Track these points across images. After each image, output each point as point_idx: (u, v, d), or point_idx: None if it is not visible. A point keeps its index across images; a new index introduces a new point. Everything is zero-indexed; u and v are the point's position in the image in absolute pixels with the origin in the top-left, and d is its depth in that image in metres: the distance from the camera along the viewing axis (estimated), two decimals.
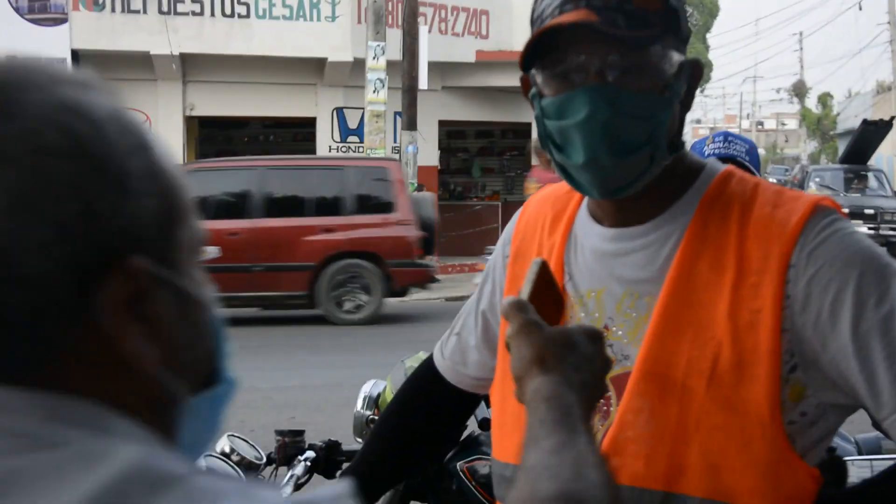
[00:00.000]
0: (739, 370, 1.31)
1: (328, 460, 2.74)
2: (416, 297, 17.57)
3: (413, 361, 3.09)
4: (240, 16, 18.96)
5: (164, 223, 0.79)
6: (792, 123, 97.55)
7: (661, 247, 1.40)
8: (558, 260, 1.51)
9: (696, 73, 1.42)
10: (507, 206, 23.30)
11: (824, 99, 68.16)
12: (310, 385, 9.88)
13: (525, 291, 1.25)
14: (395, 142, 19.12)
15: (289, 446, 2.71)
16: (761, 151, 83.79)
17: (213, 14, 18.89)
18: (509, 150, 24.56)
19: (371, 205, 14.54)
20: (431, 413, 1.88)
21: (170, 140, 19.09)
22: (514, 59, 20.47)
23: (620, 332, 1.43)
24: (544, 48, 1.35)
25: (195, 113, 19.89)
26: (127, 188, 0.76)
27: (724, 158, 3.27)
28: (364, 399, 3.17)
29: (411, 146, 17.97)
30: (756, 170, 3.46)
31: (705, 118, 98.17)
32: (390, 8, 18.64)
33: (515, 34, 21.47)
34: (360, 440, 3.10)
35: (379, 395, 3.15)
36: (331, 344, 12.90)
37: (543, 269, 1.28)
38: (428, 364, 1.87)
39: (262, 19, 19.04)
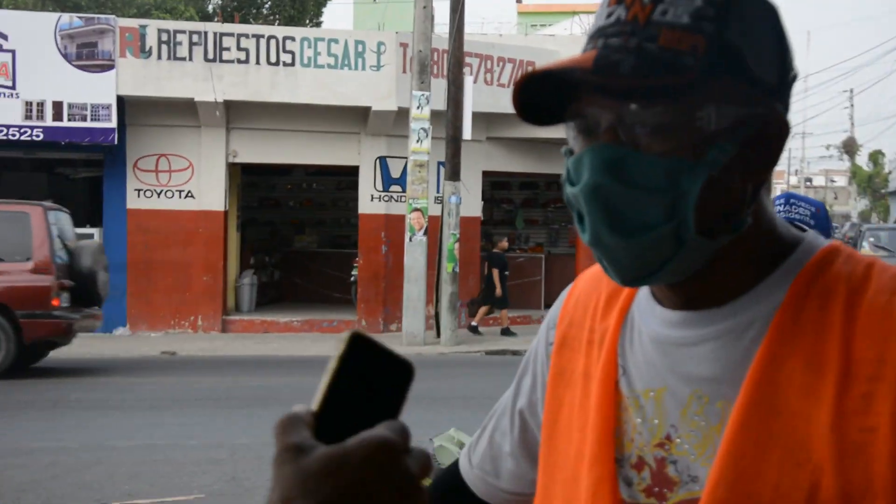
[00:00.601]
0: None
1: None
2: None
3: (443, 440, 2.81)
4: (285, 64, 19.03)
5: None
6: (841, 181, 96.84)
7: (739, 337, 1.11)
8: (611, 350, 1.23)
9: (767, 130, 1.09)
10: (550, 258, 23.18)
11: (875, 157, 67.62)
12: None
13: (320, 389, 0.84)
14: (437, 192, 19.00)
15: None
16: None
17: (258, 62, 18.99)
18: (553, 202, 24.46)
19: (4, 252, 13.81)
20: None
21: (212, 186, 19.19)
22: None
23: (686, 446, 1.13)
24: (568, 96, 1.12)
25: (238, 160, 19.92)
26: None
27: None
28: None
29: (454, 196, 17.91)
30: (826, 235, 3.01)
31: None
32: (435, 58, 18.61)
33: None
34: None
35: None
36: None
37: (353, 345, 0.84)
38: (452, 472, 1.53)
39: (306, 68, 19.10)
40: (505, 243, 20.12)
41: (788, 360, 1.06)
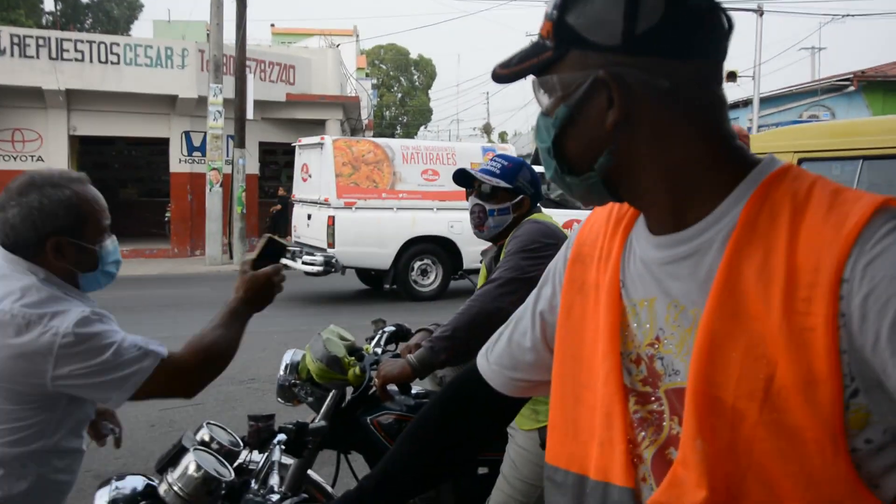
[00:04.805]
0: (796, 393, 0.84)
1: (296, 441, 2.16)
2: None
3: (328, 333, 2.55)
4: (112, 63, 17.92)
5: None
6: None
7: (704, 254, 0.93)
8: (615, 267, 1.05)
9: (597, 88, 0.92)
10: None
11: (503, 136, 71.48)
12: None
13: (256, 250, 2.09)
14: (227, 156, 18.60)
15: (262, 430, 2.13)
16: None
17: (91, 61, 17.74)
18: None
19: None
20: (473, 419, 1.29)
21: (57, 152, 17.79)
22: (313, 99, 20.71)
23: (670, 346, 0.97)
24: None
25: (77, 133, 18.59)
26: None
27: (467, 174, 2.66)
28: (286, 367, 2.58)
29: (241, 159, 17.57)
30: (513, 178, 2.62)
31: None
32: (225, 60, 18.08)
33: (313, 82, 21.40)
34: (281, 401, 2.60)
35: (298, 363, 2.57)
36: None
37: (269, 240, 2.10)
38: (469, 371, 1.31)
39: (129, 66, 18.08)
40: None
41: (745, 270, 0.89)
